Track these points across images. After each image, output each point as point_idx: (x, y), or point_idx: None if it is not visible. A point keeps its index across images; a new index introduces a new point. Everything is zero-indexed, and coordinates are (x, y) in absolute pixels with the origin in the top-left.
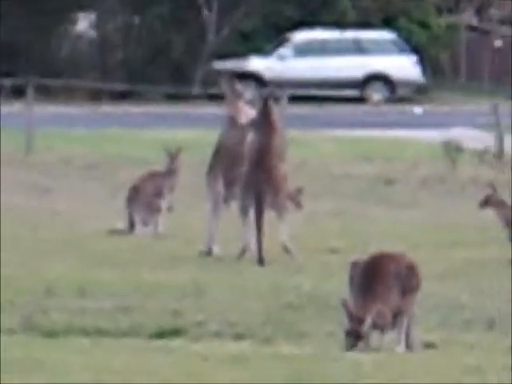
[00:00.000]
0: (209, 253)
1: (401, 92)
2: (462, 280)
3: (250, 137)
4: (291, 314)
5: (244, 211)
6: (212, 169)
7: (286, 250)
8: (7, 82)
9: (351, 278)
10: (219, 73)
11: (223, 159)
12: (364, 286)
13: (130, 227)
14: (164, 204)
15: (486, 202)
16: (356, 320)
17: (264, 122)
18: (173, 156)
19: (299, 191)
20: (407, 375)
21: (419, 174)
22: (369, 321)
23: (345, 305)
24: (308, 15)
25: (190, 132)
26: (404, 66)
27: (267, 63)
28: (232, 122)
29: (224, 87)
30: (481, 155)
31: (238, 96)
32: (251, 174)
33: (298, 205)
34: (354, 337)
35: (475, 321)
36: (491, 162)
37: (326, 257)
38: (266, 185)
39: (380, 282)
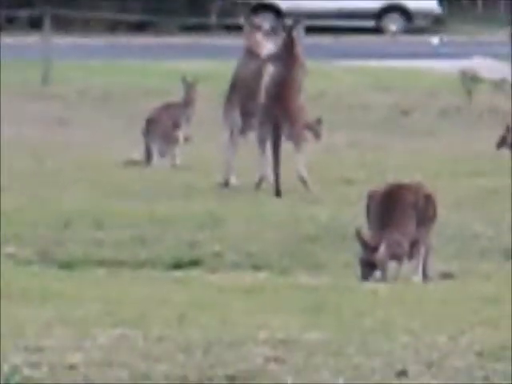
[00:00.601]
0: (226, 184)
1: (418, 23)
2: (478, 210)
3: (271, 67)
4: (308, 244)
5: (261, 142)
6: (229, 100)
7: (302, 180)
8: (24, 13)
9: (368, 209)
10: (236, 4)
11: (240, 90)
12: (381, 216)
13: (147, 158)
14: (181, 135)
15: (502, 143)
16: (370, 249)
17: (287, 54)
18: (190, 87)
19: (318, 122)
20: (424, 305)
21: (436, 104)
22: (383, 249)
23: (359, 234)
24: None
25: (206, 63)
26: None
27: None
28: (250, 53)
29: (242, 19)
30: (498, 85)
31: (257, 28)
32: (269, 105)
33: (317, 135)
34: (369, 265)
35: (492, 250)
36: (508, 91)
37: (343, 187)
38: (283, 116)
39: (397, 212)
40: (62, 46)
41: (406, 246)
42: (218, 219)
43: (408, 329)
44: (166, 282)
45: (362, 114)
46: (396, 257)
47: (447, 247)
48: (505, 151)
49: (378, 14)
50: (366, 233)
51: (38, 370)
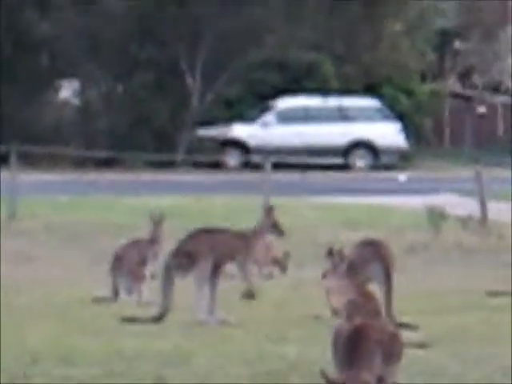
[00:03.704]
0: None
1: (385, 159)
2: (446, 346)
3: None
4: (276, 381)
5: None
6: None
7: None
8: None
9: (334, 346)
10: (203, 140)
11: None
12: (347, 353)
13: (114, 295)
14: (148, 272)
15: None
16: None
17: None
18: (156, 223)
19: (286, 256)
20: None
21: (404, 241)
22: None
23: (323, 374)
24: (291, 82)
25: (174, 199)
26: (388, 133)
27: (251, 130)
28: None
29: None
30: (464, 222)
31: None
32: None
33: (284, 269)
34: None
35: None
36: (475, 228)
37: (310, 324)
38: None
39: (363, 351)
40: (28, 182)
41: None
42: (185, 355)
43: None
44: None
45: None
46: None
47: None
48: (471, 286)
49: (346, 150)
50: (333, 371)
51: None
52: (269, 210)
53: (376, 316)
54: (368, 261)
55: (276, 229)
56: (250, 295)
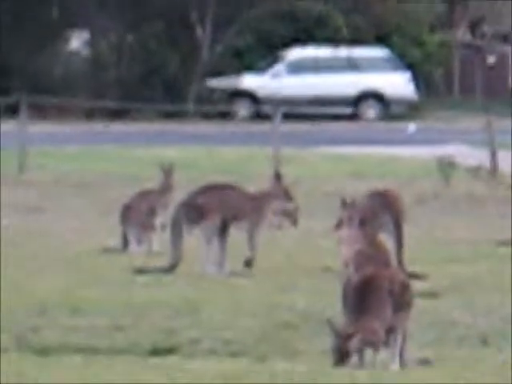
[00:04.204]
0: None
1: (394, 109)
2: (455, 296)
3: None
4: (285, 331)
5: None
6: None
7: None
8: (0, 101)
9: (344, 295)
10: (213, 91)
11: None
12: (357, 303)
13: (123, 245)
14: (158, 222)
15: None
16: (344, 337)
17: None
18: (167, 173)
19: (295, 208)
20: None
21: (413, 191)
22: (358, 337)
23: (330, 323)
24: (301, 33)
25: (184, 150)
26: (397, 84)
27: (261, 81)
28: None
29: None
30: (474, 172)
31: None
32: None
33: (294, 222)
34: (340, 354)
35: (469, 337)
36: (485, 178)
37: (319, 275)
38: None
39: (373, 300)
40: (38, 132)
41: (381, 333)
42: (194, 306)
43: None
44: (142, 369)
45: (338, 201)
46: (372, 345)
47: (425, 334)
48: (481, 236)
49: (355, 100)
50: (342, 321)
51: None
52: (278, 176)
53: (386, 266)
54: (378, 212)
55: (287, 196)
56: (249, 264)
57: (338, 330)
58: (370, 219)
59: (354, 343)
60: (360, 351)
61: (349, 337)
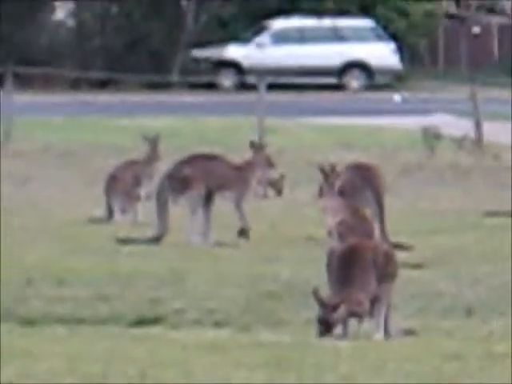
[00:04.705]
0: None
1: (379, 79)
2: (440, 267)
3: None
4: (269, 301)
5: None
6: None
7: None
8: None
9: (328, 266)
10: (198, 61)
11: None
12: (341, 274)
13: (108, 215)
14: (142, 192)
15: None
16: (328, 307)
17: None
18: (153, 144)
19: (281, 178)
20: (386, 362)
21: (398, 161)
22: (343, 308)
23: (315, 293)
24: (286, 2)
25: (169, 120)
26: (382, 54)
27: (245, 51)
28: None
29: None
30: (459, 142)
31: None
32: None
33: (279, 191)
34: (325, 324)
35: (454, 308)
36: (470, 148)
37: (304, 244)
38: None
39: (357, 270)
40: (23, 103)
41: (366, 303)
42: (179, 276)
43: None
44: (127, 339)
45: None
46: (356, 315)
47: (410, 304)
48: (466, 206)
49: (340, 70)
50: (326, 291)
51: None
52: (255, 145)
53: (369, 237)
54: (358, 187)
55: (269, 164)
56: (244, 233)
57: (323, 300)
58: (350, 193)
59: (338, 314)
60: (344, 322)
61: (334, 307)
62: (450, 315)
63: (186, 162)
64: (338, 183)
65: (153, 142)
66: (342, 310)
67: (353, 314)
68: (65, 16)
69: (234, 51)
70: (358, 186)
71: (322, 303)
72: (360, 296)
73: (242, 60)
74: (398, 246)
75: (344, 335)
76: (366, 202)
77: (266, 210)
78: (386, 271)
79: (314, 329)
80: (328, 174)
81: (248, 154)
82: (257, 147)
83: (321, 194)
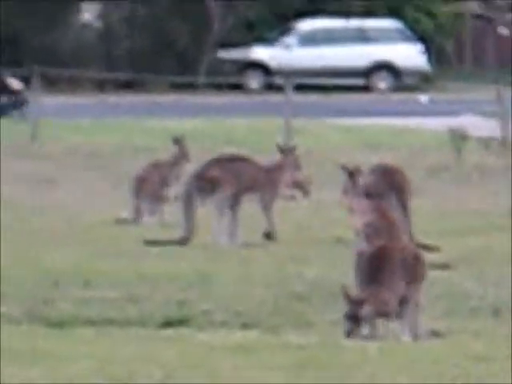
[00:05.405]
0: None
1: (406, 81)
2: (467, 268)
3: None
4: (297, 303)
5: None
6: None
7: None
8: (12, 73)
9: (356, 268)
10: (225, 62)
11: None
12: (370, 274)
13: (136, 217)
14: (170, 193)
15: None
16: (356, 303)
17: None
18: (179, 144)
19: (308, 179)
20: (413, 363)
21: (425, 162)
22: (370, 305)
23: (344, 290)
24: (312, 4)
25: (195, 121)
26: (410, 55)
27: (272, 52)
28: None
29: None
30: (486, 143)
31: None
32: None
33: (306, 193)
34: (353, 320)
35: (481, 309)
36: (496, 149)
37: (331, 246)
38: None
39: (385, 271)
40: (49, 105)
41: (393, 303)
42: (206, 278)
43: None
44: (155, 341)
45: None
46: (383, 314)
47: (436, 306)
48: (494, 207)
49: (367, 72)
50: (354, 292)
51: None
52: (288, 149)
53: (396, 238)
54: (383, 191)
55: (297, 167)
56: (270, 236)
57: (350, 296)
58: (375, 196)
59: (366, 310)
60: (372, 322)
61: (361, 302)
62: (477, 316)
63: (214, 163)
64: (362, 185)
65: (180, 142)
66: (368, 308)
67: (380, 313)
68: (92, 17)
69: (260, 52)
70: (382, 188)
71: (350, 299)
72: (387, 295)
73: (269, 61)
74: (425, 247)
75: (372, 336)
76: (390, 205)
77: (293, 211)
78: (415, 273)
79: (341, 329)
80: (353, 173)
81: (276, 156)
82: (286, 150)
83: (345, 192)
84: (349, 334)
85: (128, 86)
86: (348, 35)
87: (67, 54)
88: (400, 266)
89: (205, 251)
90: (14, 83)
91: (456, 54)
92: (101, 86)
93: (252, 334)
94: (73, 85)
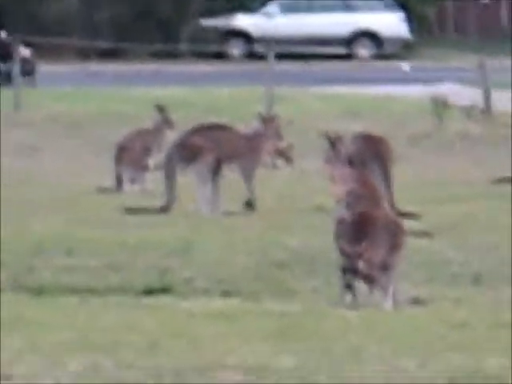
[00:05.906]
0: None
1: (388, 48)
2: (448, 236)
3: None
4: (278, 270)
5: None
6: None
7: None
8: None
9: (337, 233)
10: (207, 30)
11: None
12: (353, 237)
13: (117, 185)
14: (152, 162)
15: None
16: (353, 257)
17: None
18: (162, 113)
19: (290, 147)
20: (394, 330)
21: (407, 130)
22: (364, 259)
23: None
24: None
25: (177, 89)
26: (391, 23)
27: (254, 20)
28: None
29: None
30: (468, 111)
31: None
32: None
33: (289, 160)
34: (352, 273)
35: (462, 276)
36: (478, 117)
37: (313, 214)
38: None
39: (369, 234)
40: None
41: (377, 267)
42: (188, 246)
43: (379, 355)
44: (136, 309)
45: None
46: (367, 277)
47: (417, 273)
48: (475, 175)
49: (349, 40)
50: (336, 259)
51: None
52: (270, 117)
53: (377, 206)
54: (365, 159)
55: (278, 135)
56: (250, 205)
57: (347, 250)
58: (357, 165)
59: (361, 263)
60: (352, 285)
61: (359, 255)
62: (458, 284)
63: (196, 131)
64: (344, 153)
65: (163, 110)
66: (363, 261)
67: (364, 276)
68: None
69: (242, 21)
70: (365, 157)
71: (346, 253)
72: (373, 256)
73: (251, 29)
74: (406, 215)
75: (353, 300)
76: (372, 173)
77: (275, 179)
78: (395, 240)
79: (324, 297)
80: (334, 141)
81: (254, 124)
82: (267, 118)
83: (327, 160)
84: (347, 288)
85: (110, 54)
86: (330, 4)
87: (49, 22)
88: (382, 232)
89: (187, 219)
90: (23, 51)
91: (438, 23)
92: (83, 54)
93: (234, 302)
94: (55, 53)
